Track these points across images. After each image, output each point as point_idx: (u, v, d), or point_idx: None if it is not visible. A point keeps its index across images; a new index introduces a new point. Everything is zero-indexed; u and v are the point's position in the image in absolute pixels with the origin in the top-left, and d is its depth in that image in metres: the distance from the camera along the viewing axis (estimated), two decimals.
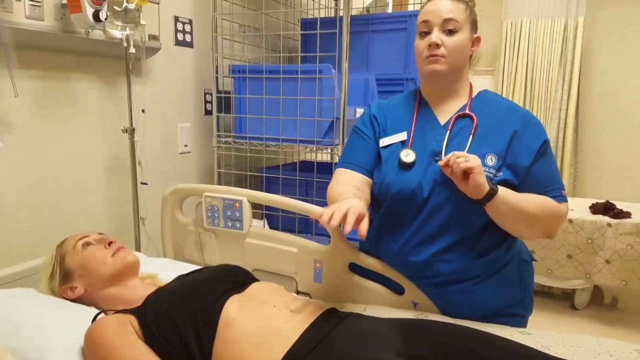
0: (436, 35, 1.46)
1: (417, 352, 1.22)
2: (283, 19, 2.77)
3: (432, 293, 1.59)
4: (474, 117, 1.51)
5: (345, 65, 2.18)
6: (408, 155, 1.52)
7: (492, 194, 1.37)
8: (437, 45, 1.46)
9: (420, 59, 1.52)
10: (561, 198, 1.48)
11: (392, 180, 1.53)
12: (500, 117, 1.51)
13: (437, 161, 1.42)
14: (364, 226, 1.25)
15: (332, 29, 2.24)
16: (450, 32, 1.47)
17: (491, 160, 1.45)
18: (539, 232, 1.51)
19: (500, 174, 1.45)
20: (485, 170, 1.42)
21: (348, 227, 1.19)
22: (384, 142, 1.60)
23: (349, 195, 1.43)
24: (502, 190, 1.39)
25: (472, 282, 1.52)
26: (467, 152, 1.45)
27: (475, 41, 1.55)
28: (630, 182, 4.43)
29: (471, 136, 1.48)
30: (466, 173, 1.33)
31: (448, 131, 1.52)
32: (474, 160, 1.32)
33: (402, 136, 1.58)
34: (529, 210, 1.42)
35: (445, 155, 1.46)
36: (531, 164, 1.45)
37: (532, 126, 1.49)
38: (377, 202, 1.60)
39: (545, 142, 1.48)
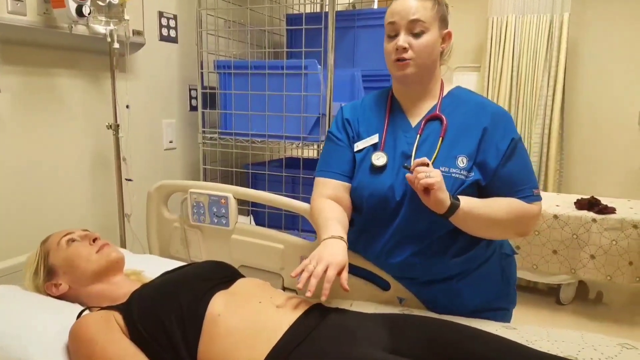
0: (403, 39, 1.44)
1: (403, 347, 1.22)
2: (268, 14, 2.76)
3: (416, 291, 1.60)
4: (444, 118, 1.49)
5: (331, 60, 2.17)
6: (379, 159, 1.52)
7: (453, 208, 1.36)
8: (404, 49, 1.44)
9: (389, 62, 1.50)
10: (532, 198, 1.46)
11: (364, 183, 1.54)
12: (470, 115, 1.50)
13: (405, 167, 1.41)
14: (344, 276, 1.32)
15: (317, 24, 2.24)
16: (418, 34, 1.44)
17: (462, 161, 1.44)
18: (511, 234, 1.51)
19: (472, 174, 1.44)
20: (456, 172, 1.42)
21: (323, 298, 1.27)
22: (357, 146, 1.59)
23: (331, 223, 1.47)
24: (465, 202, 1.38)
25: (454, 281, 1.52)
26: (437, 155, 1.45)
27: (446, 37, 1.51)
28: (615, 178, 4.46)
29: (440, 139, 1.47)
30: (427, 188, 1.33)
31: (418, 135, 1.51)
32: (434, 176, 1.32)
33: (374, 139, 1.57)
34: (495, 217, 1.42)
35: (415, 159, 1.45)
36: (499, 165, 1.44)
37: (502, 124, 1.47)
38: (355, 205, 1.60)
39: (514, 141, 1.46)
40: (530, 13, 4.43)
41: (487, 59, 4.64)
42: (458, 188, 1.42)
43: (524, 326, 1.48)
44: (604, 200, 3.29)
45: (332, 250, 1.35)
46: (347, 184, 1.59)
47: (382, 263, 1.59)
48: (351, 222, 1.62)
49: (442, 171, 1.40)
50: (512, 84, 4.56)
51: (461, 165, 1.44)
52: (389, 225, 1.52)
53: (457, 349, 1.21)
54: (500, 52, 4.57)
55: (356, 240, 1.61)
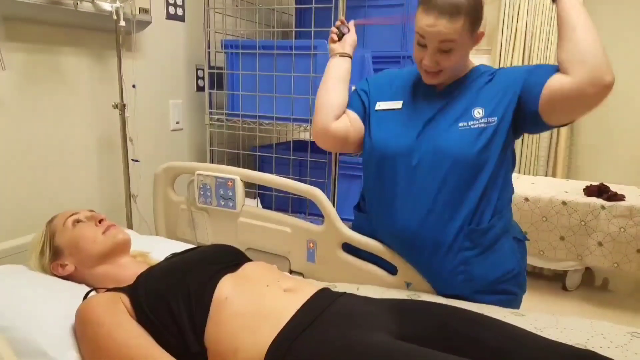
0: (430, 59, 1.44)
1: (410, 332, 1.21)
2: None
3: (425, 264, 1.59)
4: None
5: None
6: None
7: None
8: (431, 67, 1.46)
9: (418, 67, 1.52)
10: None
11: (381, 142, 1.57)
12: (493, 79, 1.53)
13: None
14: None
15: (327, 3, 2.20)
16: (447, 51, 1.42)
17: (478, 113, 1.48)
18: (601, 72, 1.30)
19: (494, 118, 1.46)
20: (475, 124, 1.47)
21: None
22: (379, 105, 1.63)
23: None
24: None
25: (467, 254, 1.52)
26: (458, 116, 1.50)
27: (478, 37, 1.48)
28: (625, 165, 4.43)
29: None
30: None
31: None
32: None
33: (398, 104, 1.60)
34: (595, 31, 1.33)
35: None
36: (525, 77, 1.45)
37: (512, 70, 1.53)
38: (370, 166, 1.63)
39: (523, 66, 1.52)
40: None
41: (498, 41, 4.59)
42: (478, 137, 1.45)
43: (532, 313, 1.48)
44: (614, 187, 3.27)
45: None
46: (353, 114, 1.68)
47: (393, 230, 1.59)
48: (365, 189, 1.68)
49: (461, 127, 1.46)
50: None
51: (477, 115, 1.48)
52: (402, 188, 1.54)
53: (466, 335, 1.20)
54: (512, 35, 4.52)
55: (370, 204, 1.65)
